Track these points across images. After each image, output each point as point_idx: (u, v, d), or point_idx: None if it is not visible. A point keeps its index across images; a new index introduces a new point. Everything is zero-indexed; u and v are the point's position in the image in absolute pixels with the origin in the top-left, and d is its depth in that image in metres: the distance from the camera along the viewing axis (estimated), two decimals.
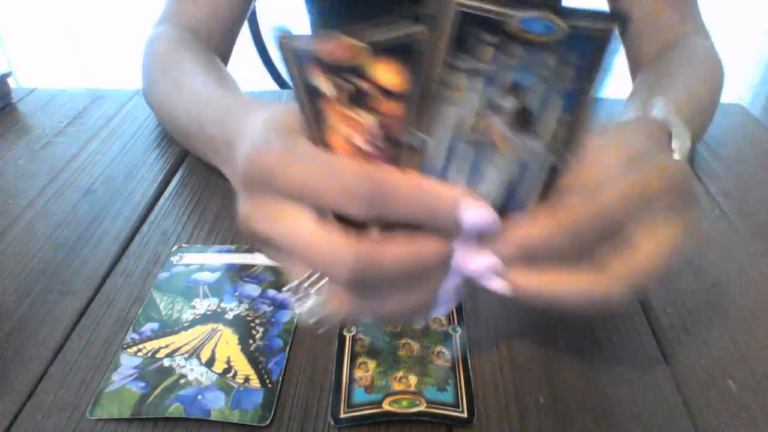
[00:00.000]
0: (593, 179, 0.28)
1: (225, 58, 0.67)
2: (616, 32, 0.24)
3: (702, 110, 0.54)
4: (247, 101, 0.41)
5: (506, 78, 0.25)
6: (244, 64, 0.92)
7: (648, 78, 0.55)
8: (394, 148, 0.26)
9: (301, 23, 0.87)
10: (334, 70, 0.25)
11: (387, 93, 0.25)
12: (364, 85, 0.25)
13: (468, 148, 0.26)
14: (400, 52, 0.25)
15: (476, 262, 0.28)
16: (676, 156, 0.34)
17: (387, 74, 0.25)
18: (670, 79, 0.52)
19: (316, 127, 0.27)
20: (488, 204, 0.27)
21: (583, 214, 0.27)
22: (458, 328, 0.38)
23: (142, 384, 0.34)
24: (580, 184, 0.27)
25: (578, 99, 0.25)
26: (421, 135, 0.26)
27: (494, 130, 0.26)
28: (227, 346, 0.37)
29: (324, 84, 0.25)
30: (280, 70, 1.01)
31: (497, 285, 0.28)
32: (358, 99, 0.26)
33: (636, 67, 0.63)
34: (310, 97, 0.26)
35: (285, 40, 0.25)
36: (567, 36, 0.24)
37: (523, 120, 0.26)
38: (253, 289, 0.41)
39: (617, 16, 0.24)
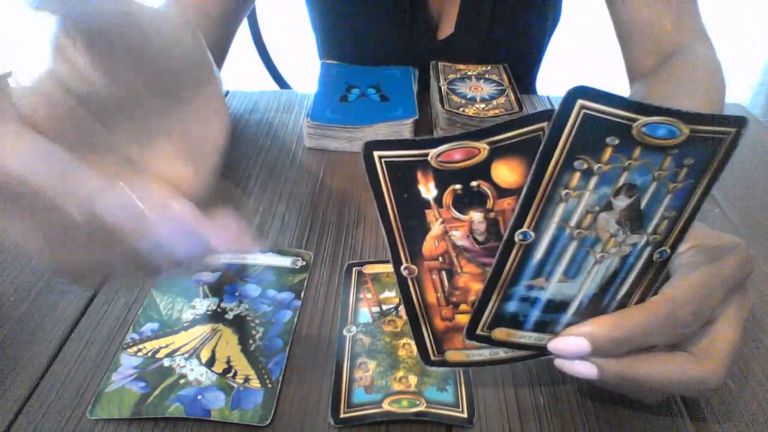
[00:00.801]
0: (683, 271, 0.29)
1: (220, 56, 0.66)
2: (733, 136, 0.25)
3: None
4: None
5: (620, 177, 0.25)
6: (244, 64, 0.92)
7: (646, 98, 0.54)
8: (496, 243, 0.27)
9: (301, 23, 0.87)
10: (446, 174, 0.26)
11: (501, 190, 0.26)
12: (480, 185, 0.26)
13: (571, 242, 0.27)
14: (520, 150, 0.25)
15: (566, 343, 0.28)
16: None
17: (504, 172, 0.26)
18: (671, 101, 0.52)
19: (410, 240, 0.27)
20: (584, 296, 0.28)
21: (678, 306, 0.27)
22: None
23: (142, 384, 0.34)
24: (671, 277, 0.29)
25: (688, 197, 0.26)
26: (527, 230, 0.26)
27: (600, 226, 0.26)
28: (227, 346, 0.37)
29: (431, 190, 0.26)
30: (279, 71, 1.01)
31: (584, 369, 0.28)
32: (468, 199, 0.26)
33: (633, 71, 0.63)
34: (409, 206, 0.26)
35: (381, 154, 0.25)
36: (686, 139, 0.24)
37: (631, 217, 0.26)
38: (253, 289, 0.41)
39: (736, 121, 0.24)
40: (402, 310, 0.39)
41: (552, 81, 0.90)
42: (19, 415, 0.33)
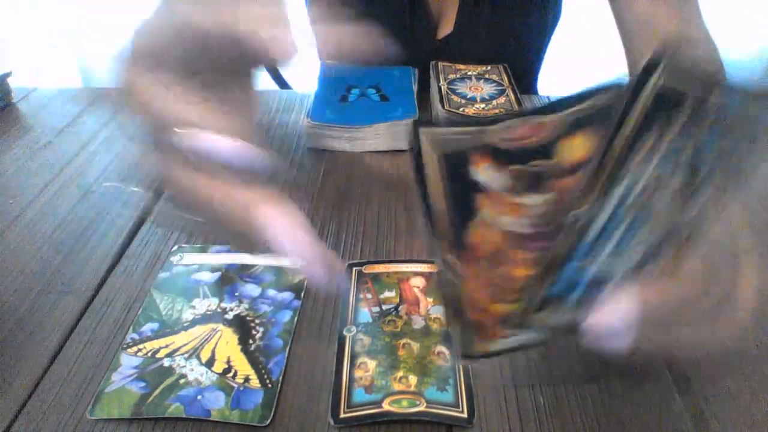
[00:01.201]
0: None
1: None
2: None
3: None
4: None
5: (683, 154, 0.24)
6: None
7: None
8: (551, 226, 0.26)
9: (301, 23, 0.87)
10: (506, 153, 0.24)
11: (563, 170, 0.25)
12: (539, 165, 0.24)
13: (626, 219, 0.26)
14: (586, 125, 0.24)
15: (601, 317, 0.27)
16: None
17: (573, 148, 0.24)
18: None
19: (456, 227, 0.26)
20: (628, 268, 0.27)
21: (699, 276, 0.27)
22: None
23: (142, 384, 0.34)
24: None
25: (743, 173, 0.25)
26: (584, 211, 0.25)
27: (655, 203, 0.25)
28: (227, 346, 0.37)
29: (491, 174, 0.24)
30: (280, 71, 1.01)
31: (619, 342, 0.27)
32: (525, 181, 0.25)
33: (634, 70, 0.63)
34: (462, 193, 0.25)
35: (431, 136, 0.24)
36: (754, 114, 0.24)
37: (685, 194, 0.25)
38: (253, 289, 0.41)
39: None
40: (402, 309, 0.39)
41: (552, 81, 0.90)
42: (19, 415, 0.33)
